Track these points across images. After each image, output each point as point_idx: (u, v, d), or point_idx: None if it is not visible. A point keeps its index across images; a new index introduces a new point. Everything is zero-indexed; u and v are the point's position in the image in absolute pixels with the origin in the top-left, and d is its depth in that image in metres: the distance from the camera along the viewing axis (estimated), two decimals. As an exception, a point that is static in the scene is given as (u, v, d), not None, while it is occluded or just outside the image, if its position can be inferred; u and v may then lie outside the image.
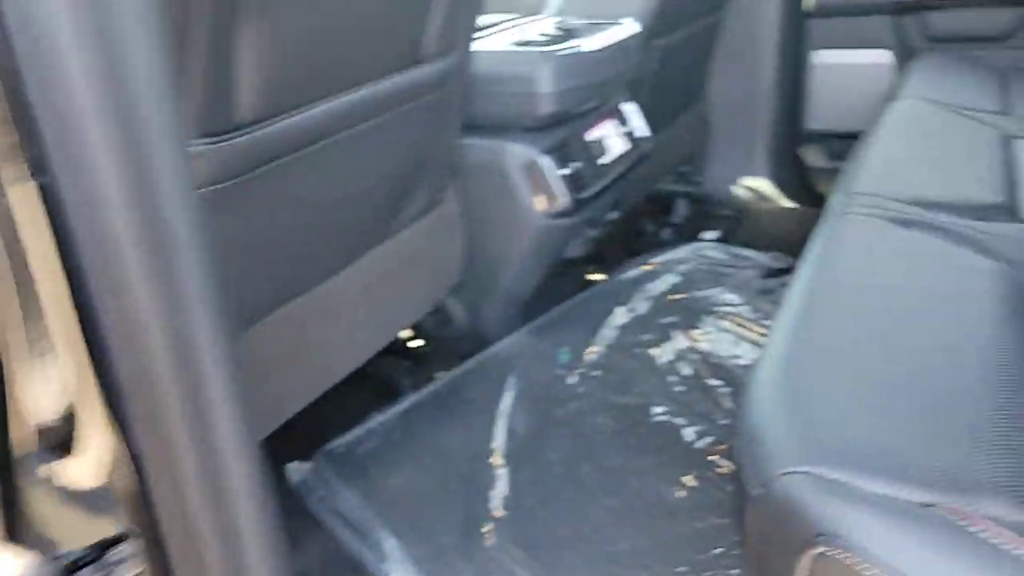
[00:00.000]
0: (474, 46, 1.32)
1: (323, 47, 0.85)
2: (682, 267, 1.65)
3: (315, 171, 0.92)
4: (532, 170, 1.30)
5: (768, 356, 0.71)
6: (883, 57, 2.05)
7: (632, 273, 1.62)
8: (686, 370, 1.31)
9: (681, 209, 2.21)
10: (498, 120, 1.31)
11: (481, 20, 1.52)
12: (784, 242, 2.14)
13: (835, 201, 1.05)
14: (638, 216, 2.21)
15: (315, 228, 0.98)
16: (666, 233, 2.08)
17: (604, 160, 1.46)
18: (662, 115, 1.95)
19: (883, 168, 1.12)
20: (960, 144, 1.25)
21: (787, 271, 1.73)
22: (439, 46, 1.07)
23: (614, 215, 1.61)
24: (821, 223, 1.00)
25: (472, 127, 1.32)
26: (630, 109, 1.58)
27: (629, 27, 1.45)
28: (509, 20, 1.53)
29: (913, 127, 1.32)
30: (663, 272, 1.61)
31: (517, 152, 1.29)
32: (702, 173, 2.38)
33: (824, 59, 2.13)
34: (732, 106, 2.26)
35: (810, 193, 2.28)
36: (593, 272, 1.95)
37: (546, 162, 1.29)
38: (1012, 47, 1.91)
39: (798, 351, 0.70)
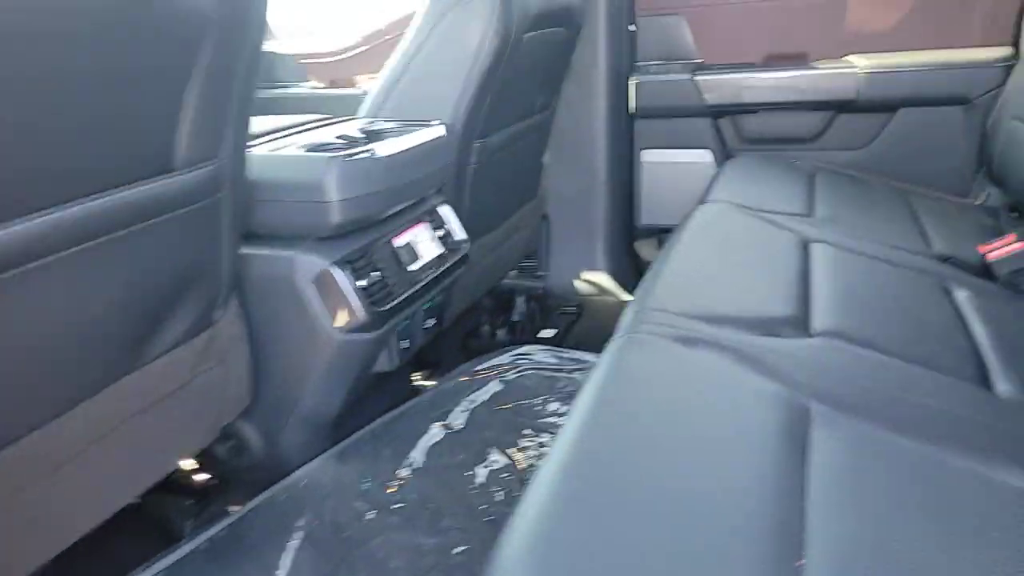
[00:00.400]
0: (259, 150, 1.23)
1: (15, 156, 0.71)
2: (509, 374, 1.57)
3: (18, 300, 0.77)
4: (324, 282, 1.19)
5: (525, 511, 0.61)
6: (704, 156, 2.13)
7: (454, 382, 1.52)
8: (499, 495, 1.20)
9: (521, 306, 2.15)
10: (287, 230, 1.20)
11: (282, 121, 1.44)
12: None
13: (626, 317, 1.00)
14: (479, 315, 2.14)
15: (27, 365, 0.82)
16: (504, 333, 2.01)
17: (414, 266, 1.37)
18: (495, 213, 1.91)
19: (678, 280, 1.08)
20: (759, 251, 1.26)
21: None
22: (196, 153, 0.96)
23: (432, 322, 1.52)
24: (610, 342, 0.94)
25: (260, 237, 1.20)
26: (446, 212, 1.52)
27: (435, 130, 1.40)
28: (312, 122, 1.45)
29: (715, 234, 1.31)
30: (487, 380, 1.52)
31: (307, 263, 1.18)
32: (545, 268, 2.36)
33: (650, 157, 2.19)
34: (569, 202, 2.26)
35: (647, 287, 2.29)
36: (425, 378, 1.84)
37: (340, 274, 1.19)
38: (820, 148, 2.03)
39: (557, 508, 0.61)
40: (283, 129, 1.35)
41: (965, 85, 1.83)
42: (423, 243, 1.42)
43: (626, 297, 2.29)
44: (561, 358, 1.68)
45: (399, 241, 1.36)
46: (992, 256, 1.24)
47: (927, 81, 1.85)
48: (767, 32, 2.04)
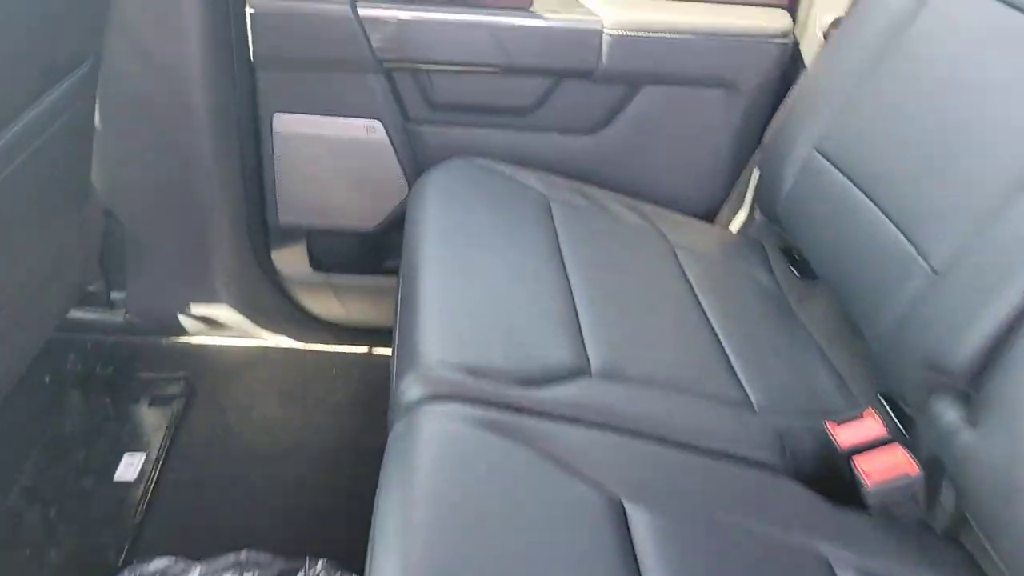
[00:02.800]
0: None
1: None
2: None
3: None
4: None
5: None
6: (373, 129, 1.36)
7: None
8: None
9: (77, 402, 1.25)
10: None
11: None
12: (275, 435, 1.33)
13: None
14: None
15: None
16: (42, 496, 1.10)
17: None
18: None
19: None
20: (552, 538, 0.63)
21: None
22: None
23: None
24: None
25: None
26: None
27: None
28: None
29: (456, 494, 0.64)
30: None
31: None
32: (119, 286, 1.45)
33: (288, 126, 1.35)
34: (154, 193, 1.35)
35: (296, 317, 1.54)
36: None
37: None
38: (537, 126, 1.38)
39: None
40: None
41: (731, 64, 1.32)
42: None
43: (265, 336, 1.52)
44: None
45: None
46: (872, 482, 0.79)
47: (683, 50, 1.30)
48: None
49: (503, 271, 0.99)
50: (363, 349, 1.54)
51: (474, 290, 0.93)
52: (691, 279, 1.14)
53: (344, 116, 1.34)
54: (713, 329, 1.04)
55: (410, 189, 1.39)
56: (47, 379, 1.26)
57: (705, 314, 1.06)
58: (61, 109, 1.06)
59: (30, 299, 1.17)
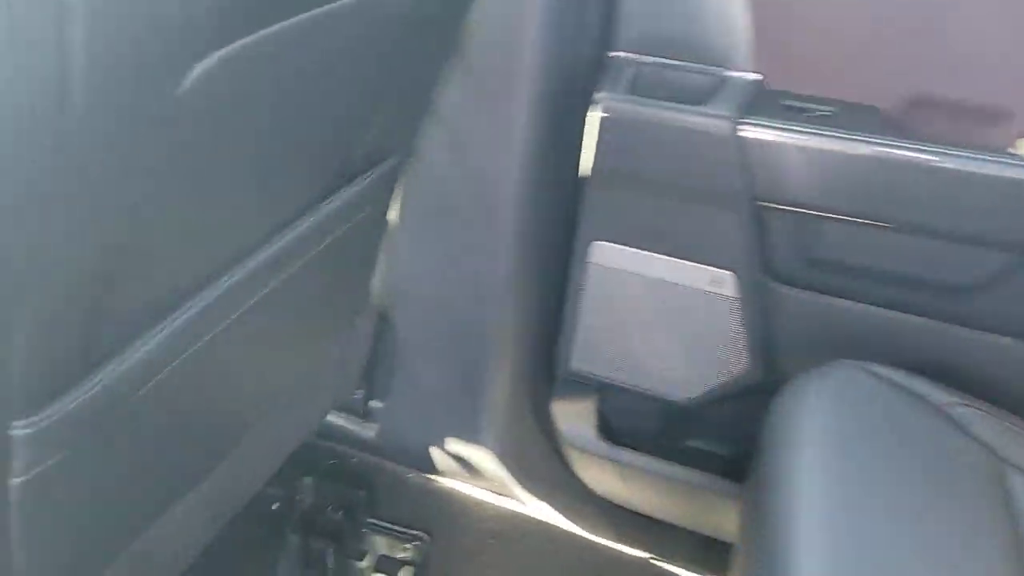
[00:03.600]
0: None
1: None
2: None
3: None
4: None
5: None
6: (721, 280, 0.99)
7: None
8: None
9: (309, 557, 1.03)
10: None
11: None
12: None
13: None
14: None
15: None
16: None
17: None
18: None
19: None
20: None
21: None
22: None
23: None
24: None
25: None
26: None
27: None
28: None
29: None
30: None
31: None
32: (380, 395, 1.24)
33: (606, 258, 1.04)
34: (434, 311, 1.13)
35: (567, 488, 1.21)
36: None
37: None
38: (982, 323, 0.91)
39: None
40: None
41: None
42: None
43: (524, 501, 1.21)
44: None
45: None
46: None
47: None
48: (928, 38, 0.87)
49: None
50: (641, 555, 1.17)
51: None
52: None
53: (685, 258, 1.00)
54: None
55: (751, 362, 1.00)
56: (274, 506, 1.07)
57: None
58: (355, 209, 0.86)
59: (281, 409, 0.99)
